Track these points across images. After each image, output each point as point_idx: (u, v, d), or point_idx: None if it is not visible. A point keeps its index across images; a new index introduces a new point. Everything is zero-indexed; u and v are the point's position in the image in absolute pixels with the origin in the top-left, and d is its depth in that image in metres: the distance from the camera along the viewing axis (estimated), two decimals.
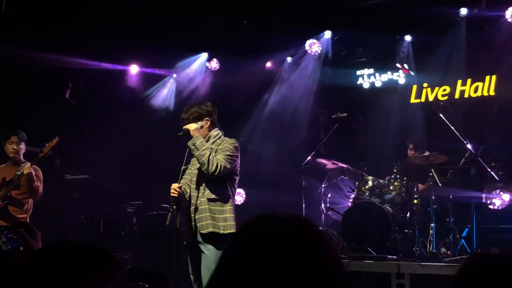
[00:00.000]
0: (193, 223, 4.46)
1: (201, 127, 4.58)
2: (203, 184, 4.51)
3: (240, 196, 9.42)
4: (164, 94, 10.31)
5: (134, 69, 10.02)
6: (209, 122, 4.68)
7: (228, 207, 4.48)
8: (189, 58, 10.18)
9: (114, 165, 9.20)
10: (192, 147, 4.45)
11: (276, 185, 9.13)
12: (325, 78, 9.68)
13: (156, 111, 10.08)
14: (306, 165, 8.33)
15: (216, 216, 4.42)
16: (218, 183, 4.50)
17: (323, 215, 8.06)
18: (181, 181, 4.58)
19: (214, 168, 4.35)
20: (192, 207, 4.50)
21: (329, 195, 8.20)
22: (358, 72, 9.51)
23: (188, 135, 4.52)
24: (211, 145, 4.57)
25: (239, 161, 4.64)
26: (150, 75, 10.15)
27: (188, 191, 4.60)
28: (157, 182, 9.17)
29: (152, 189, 8.90)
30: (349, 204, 7.77)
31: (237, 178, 4.66)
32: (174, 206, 4.42)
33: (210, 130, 4.68)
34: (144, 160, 9.58)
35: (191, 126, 4.53)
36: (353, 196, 7.73)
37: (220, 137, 4.67)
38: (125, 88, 9.87)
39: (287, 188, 8.76)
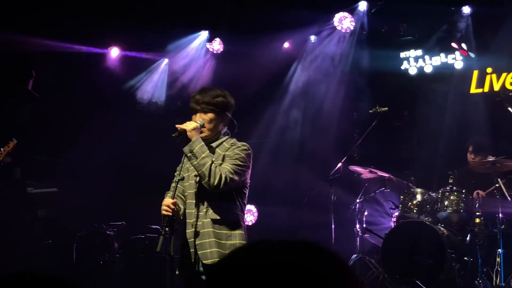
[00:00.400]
0: (192, 250, 4.42)
1: (202, 125, 4.49)
2: (205, 201, 4.44)
3: (250, 215, 9.40)
4: (153, 84, 10.32)
5: (114, 52, 10.04)
6: (227, 119, 4.65)
7: (238, 231, 4.44)
8: (185, 38, 10.18)
9: (90, 176, 9.19)
10: (189, 154, 4.35)
11: (297, 200, 9.10)
12: (359, 62, 9.64)
13: (144, 106, 10.09)
14: (335, 174, 8.29)
15: (223, 242, 4.36)
16: (225, 199, 4.44)
17: (358, 238, 8.02)
18: (175, 194, 4.56)
19: (217, 181, 4.29)
20: (191, 230, 4.42)
21: (365, 213, 8.18)
22: (403, 54, 9.46)
23: (184, 136, 4.46)
24: (215, 149, 4.52)
25: (250, 171, 4.60)
26: (135, 60, 10.15)
27: (182, 207, 4.57)
28: (145, 197, 9.18)
29: (139, 206, 8.87)
30: (392, 224, 7.75)
31: (247, 192, 4.62)
32: (167, 228, 4.38)
33: (222, 129, 4.63)
34: (128, 169, 9.57)
35: (189, 125, 4.41)
36: (396, 214, 7.71)
37: (227, 139, 4.63)
38: (104, 77, 9.88)
39: (311, 204, 8.73)
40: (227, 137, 4.64)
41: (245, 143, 4.60)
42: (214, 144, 4.55)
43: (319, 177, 8.75)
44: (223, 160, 4.45)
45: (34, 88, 9.28)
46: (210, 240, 4.37)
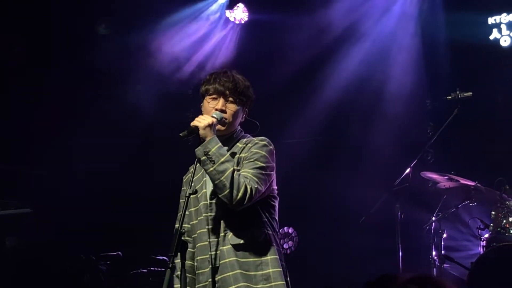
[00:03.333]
0: None
1: (220, 119, 4.45)
2: (222, 222, 4.41)
3: (289, 239, 9.39)
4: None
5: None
6: (245, 118, 4.68)
7: (271, 256, 4.36)
8: (196, 6, 10.22)
9: (74, 191, 9.28)
10: (203, 157, 4.26)
11: (351, 219, 9.07)
12: (433, 32, 9.63)
13: (141, 98, 10.13)
14: (403, 183, 8.26)
15: (251, 274, 4.31)
16: (248, 216, 4.38)
17: (434, 269, 7.99)
18: (184, 221, 4.48)
19: (241, 194, 4.22)
20: (207, 269, 4.39)
21: (444, 235, 8.13)
22: (491, 20, 9.44)
23: (195, 135, 4.34)
24: (230, 150, 4.50)
25: (274, 173, 4.55)
26: (129, 35, 10.22)
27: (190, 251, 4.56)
28: (148, 220, 9.24)
29: (140, 231, 8.92)
30: (481, 249, 7.70)
31: (277, 204, 4.58)
32: (177, 253, 4.29)
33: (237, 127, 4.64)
34: (126, 181, 9.64)
35: (202, 121, 4.34)
36: (487, 235, 7.67)
37: (240, 139, 4.60)
38: (93, 60, 9.97)
39: (370, 224, 8.69)
40: (240, 135, 4.65)
41: (263, 138, 4.56)
42: (226, 145, 4.50)
43: (380, 188, 8.71)
44: (238, 165, 4.41)
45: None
46: (235, 273, 4.31)
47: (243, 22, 10.23)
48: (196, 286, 4.46)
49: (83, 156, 9.26)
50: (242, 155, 4.45)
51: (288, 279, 4.47)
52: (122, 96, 9.89)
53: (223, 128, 4.49)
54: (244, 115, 4.66)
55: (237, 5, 10.19)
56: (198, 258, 4.46)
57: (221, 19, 10.34)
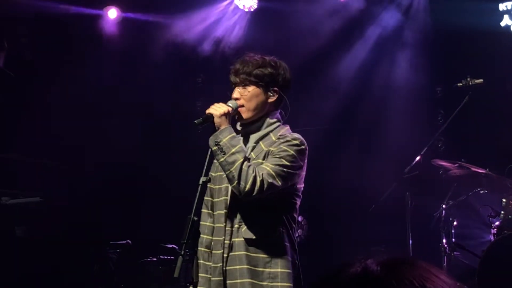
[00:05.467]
0: (219, 278, 4.38)
1: (236, 108, 4.43)
2: (238, 213, 4.40)
3: (298, 227, 9.40)
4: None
5: (112, 14, 10.10)
6: (276, 97, 4.53)
7: (281, 255, 4.35)
8: None
9: (83, 180, 9.29)
10: (215, 147, 4.27)
11: (360, 207, 9.07)
12: (442, 18, 9.60)
13: (153, 85, 10.13)
14: (413, 171, 8.25)
15: (259, 271, 4.30)
16: (265, 212, 4.36)
17: (445, 257, 7.98)
18: (199, 208, 4.47)
19: (249, 186, 4.19)
20: (219, 251, 4.41)
21: (455, 223, 8.14)
22: (502, 6, 9.41)
23: (210, 123, 4.36)
24: (258, 142, 4.46)
25: (304, 173, 4.51)
26: (139, 23, 10.20)
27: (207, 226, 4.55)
28: (158, 207, 9.26)
29: (150, 219, 8.93)
30: (492, 237, 7.70)
31: (299, 202, 4.54)
32: (189, 241, 4.23)
33: (270, 113, 4.55)
34: (137, 169, 9.65)
35: (217, 109, 4.33)
36: (498, 223, 7.65)
37: (275, 129, 4.51)
38: (100, 47, 9.95)
39: (380, 212, 8.69)
40: (276, 125, 4.55)
41: (297, 136, 4.47)
42: (255, 135, 4.47)
43: (390, 176, 8.71)
44: (265, 158, 4.37)
45: (6, 65, 9.38)
46: (242, 268, 4.32)
47: (252, 9, 10.20)
48: (212, 265, 4.46)
49: (92, 146, 9.27)
50: (272, 148, 4.38)
51: (301, 276, 4.48)
52: (131, 85, 9.91)
53: (242, 115, 4.45)
54: (274, 97, 4.53)
55: None
56: (214, 238, 4.46)
57: (229, 7, 10.29)
